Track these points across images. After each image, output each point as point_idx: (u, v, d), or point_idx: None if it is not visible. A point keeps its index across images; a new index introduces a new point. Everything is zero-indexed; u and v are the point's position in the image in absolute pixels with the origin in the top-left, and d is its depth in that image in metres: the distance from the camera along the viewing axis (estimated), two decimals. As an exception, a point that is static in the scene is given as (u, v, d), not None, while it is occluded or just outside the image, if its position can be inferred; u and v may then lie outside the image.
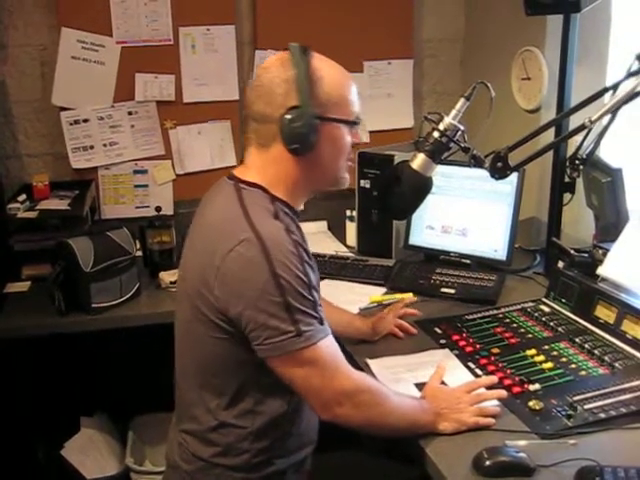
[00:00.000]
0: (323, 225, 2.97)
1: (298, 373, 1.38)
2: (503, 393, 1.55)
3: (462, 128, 1.62)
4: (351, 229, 2.70)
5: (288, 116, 1.40)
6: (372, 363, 1.76)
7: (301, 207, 1.56)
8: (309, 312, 1.36)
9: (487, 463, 1.33)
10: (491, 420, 1.48)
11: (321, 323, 1.39)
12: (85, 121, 2.73)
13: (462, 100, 1.62)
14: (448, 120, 1.62)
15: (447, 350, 1.82)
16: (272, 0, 2.82)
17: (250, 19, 2.84)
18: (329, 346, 1.40)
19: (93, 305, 2.21)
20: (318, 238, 2.84)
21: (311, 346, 1.35)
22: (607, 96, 1.77)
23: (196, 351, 1.49)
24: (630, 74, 1.65)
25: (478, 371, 1.69)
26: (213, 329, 1.42)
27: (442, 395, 1.54)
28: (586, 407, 1.50)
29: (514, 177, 2.17)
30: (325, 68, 1.46)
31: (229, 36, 2.79)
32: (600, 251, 2.02)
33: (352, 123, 1.49)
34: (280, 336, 1.34)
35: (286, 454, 1.52)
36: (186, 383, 1.55)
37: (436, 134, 1.62)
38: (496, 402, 1.55)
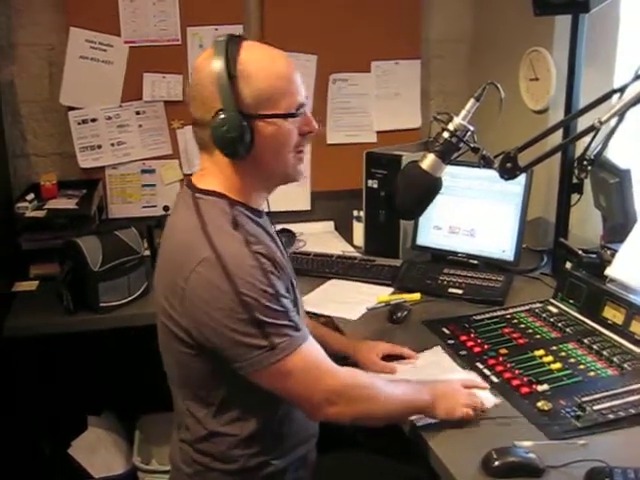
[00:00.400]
0: (330, 225, 2.97)
1: (282, 384, 1.36)
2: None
3: (472, 129, 1.62)
4: (358, 229, 2.70)
5: (217, 120, 1.33)
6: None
7: (264, 206, 1.51)
8: (280, 323, 1.33)
9: (496, 463, 1.33)
10: (477, 414, 1.49)
11: (296, 330, 1.36)
12: (93, 120, 2.74)
13: (472, 100, 1.62)
14: (458, 120, 1.62)
15: (438, 347, 1.82)
16: (280, 0, 2.82)
17: (258, 19, 2.84)
18: (309, 351, 1.37)
19: (101, 304, 2.21)
20: (325, 238, 2.85)
21: (288, 356, 1.33)
22: (615, 97, 1.77)
23: (177, 365, 1.46)
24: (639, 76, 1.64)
25: (486, 371, 1.69)
26: (184, 346, 1.40)
27: (439, 382, 1.55)
28: (595, 408, 1.50)
29: (522, 177, 2.16)
30: (254, 61, 1.36)
31: (237, 36, 2.80)
32: (608, 252, 2.01)
33: (289, 116, 1.39)
34: (254, 351, 1.31)
35: (283, 454, 1.50)
36: (176, 394, 1.54)
37: (446, 134, 1.62)
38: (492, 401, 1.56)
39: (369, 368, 1.74)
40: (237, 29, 2.79)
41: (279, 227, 2.00)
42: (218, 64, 1.33)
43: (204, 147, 1.43)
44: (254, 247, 1.34)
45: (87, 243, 2.20)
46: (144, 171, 2.84)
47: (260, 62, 1.37)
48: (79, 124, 2.73)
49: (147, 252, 2.47)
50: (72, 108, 2.72)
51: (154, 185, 2.86)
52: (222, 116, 1.33)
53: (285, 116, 1.38)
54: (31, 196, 2.54)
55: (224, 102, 1.32)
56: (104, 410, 2.60)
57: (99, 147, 2.77)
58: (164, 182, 2.86)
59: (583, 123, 1.81)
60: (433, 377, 1.63)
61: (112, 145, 2.78)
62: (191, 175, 1.52)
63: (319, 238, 2.83)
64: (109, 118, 2.76)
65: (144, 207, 2.85)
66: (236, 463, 1.47)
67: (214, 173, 1.43)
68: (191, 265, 1.32)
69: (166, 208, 2.64)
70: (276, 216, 1.61)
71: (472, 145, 1.63)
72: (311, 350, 1.39)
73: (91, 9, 2.66)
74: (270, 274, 1.34)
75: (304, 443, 1.56)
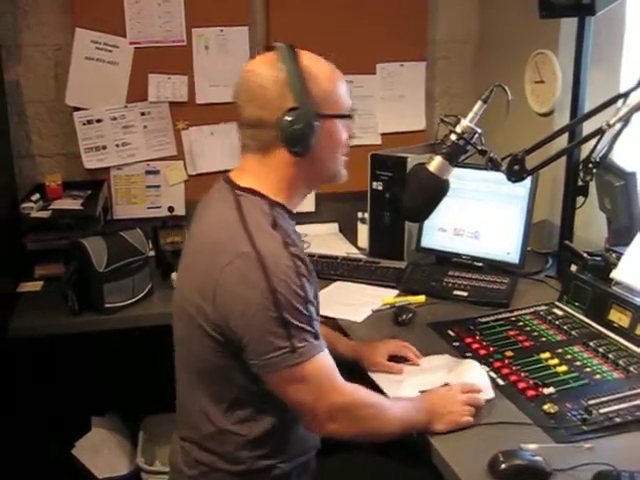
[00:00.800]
0: (334, 227, 2.97)
1: (290, 389, 1.38)
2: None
3: (479, 131, 1.62)
4: (363, 231, 2.70)
5: (287, 118, 1.38)
6: (374, 376, 1.74)
7: (296, 209, 1.54)
8: (304, 327, 1.35)
9: (503, 466, 1.33)
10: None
11: (316, 338, 1.38)
12: (98, 121, 2.74)
13: (479, 103, 1.62)
14: (465, 123, 1.62)
15: (447, 355, 1.81)
16: (285, 2, 2.83)
17: (263, 20, 2.84)
18: (323, 362, 1.39)
19: (106, 305, 2.22)
20: (330, 240, 2.85)
21: (304, 362, 1.35)
22: (621, 100, 1.76)
23: (194, 359, 1.48)
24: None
25: (492, 374, 1.69)
26: (210, 340, 1.41)
27: (437, 394, 1.55)
28: (601, 411, 1.50)
29: (528, 180, 2.16)
30: (315, 65, 1.44)
31: (242, 37, 2.80)
32: (613, 255, 2.01)
33: (348, 117, 1.50)
34: (274, 352, 1.34)
35: (288, 459, 1.51)
36: (185, 390, 1.55)
37: (453, 137, 1.62)
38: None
39: (375, 370, 1.74)
40: (242, 30, 2.80)
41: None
42: (287, 66, 1.39)
43: (260, 148, 1.45)
44: (291, 249, 1.37)
45: (92, 244, 2.21)
46: (149, 172, 2.84)
47: (321, 65, 1.46)
48: (84, 125, 2.74)
49: (152, 253, 2.48)
50: (77, 109, 2.72)
51: (159, 186, 2.86)
52: (295, 114, 1.37)
53: (344, 117, 1.48)
54: (36, 196, 2.55)
55: (299, 100, 1.38)
56: (108, 411, 2.60)
57: (104, 148, 2.77)
58: (169, 183, 2.86)
59: (588, 126, 1.81)
60: (439, 379, 1.64)
61: (117, 146, 2.79)
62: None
63: (324, 240, 2.82)
64: (114, 119, 2.76)
65: (149, 208, 2.86)
66: (242, 465, 1.47)
67: (259, 174, 1.46)
68: (229, 258, 1.35)
69: (171, 209, 2.64)
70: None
71: (480, 147, 1.63)
72: (325, 362, 1.40)
73: (97, 10, 2.66)
74: (303, 277, 1.36)
75: (308, 451, 1.57)
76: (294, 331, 1.34)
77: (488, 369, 1.71)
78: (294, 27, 2.79)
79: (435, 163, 1.64)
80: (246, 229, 1.37)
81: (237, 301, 1.34)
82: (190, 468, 1.51)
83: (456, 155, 1.63)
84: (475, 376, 1.65)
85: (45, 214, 2.48)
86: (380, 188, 2.53)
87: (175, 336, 1.56)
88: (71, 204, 2.55)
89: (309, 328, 1.36)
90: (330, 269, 2.42)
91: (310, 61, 1.44)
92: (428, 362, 1.79)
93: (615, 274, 1.93)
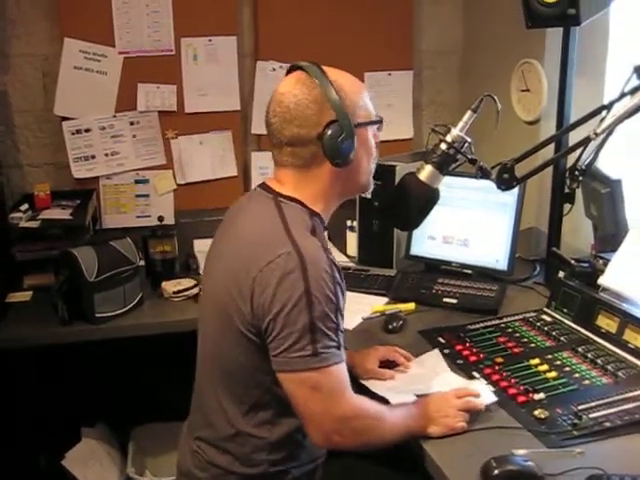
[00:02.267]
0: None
1: (303, 393, 1.39)
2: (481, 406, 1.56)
3: (469, 140, 1.64)
4: (352, 239, 2.71)
5: (328, 132, 1.43)
6: (368, 384, 1.74)
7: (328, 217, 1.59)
8: (330, 335, 1.38)
9: (495, 472, 1.34)
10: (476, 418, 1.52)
11: (338, 348, 1.40)
12: (87, 131, 2.75)
13: (469, 112, 1.64)
14: (456, 132, 1.64)
15: (436, 350, 1.84)
16: (273, 12, 2.85)
17: (251, 30, 2.86)
18: (339, 373, 1.41)
19: (97, 315, 2.21)
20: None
21: (323, 368, 1.37)
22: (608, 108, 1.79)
23: (223, 359, 1.50)
24: (632, 91, 1.67)
25: (483, 381, 1.70)
26: (241, 339, 1.44)
27: (432, 398, 1.57)
28: (591, 416, 1.51)
29: (516, 188, 2.19)
30: (341, 78, 1.50)
31: (231, 47, 2.82)
32: (600, 261, 2.04)
33: (379, 122, 1.55)
34: (296, 352, 1.36)
35: (300, 465, 1.53)
36: (206, 390, 1.56)
37: (444, 146, 1.64)
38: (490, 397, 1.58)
39: (368, 377, 1.75)
40: (231, 40, 2.82)
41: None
42: (320, 82, 1.45)
43: (300, 164, 1.49)
44: (330, 255, 1.42)
45: (83, 253, 2.20)
46: (138, 181, 2.85)
47: (347, 79, 1.52)
48: (73, 134, 2.74)
49: (142, 262, 2.48)
50: (66, 118, 2.73)
51: (148, 195, 2.86)
52: (335, 127, 1.43)
53: (376, 122, 1.55)
54: (25, 206, 2.54)
55: (336, 114, 1.43)
56: (98, 421, 2.59)
57: (93, 157, 2.77)
58: (158, 192, 2.87)
59: (573, 135, 1.84)
60: (429, 387, 1.65)
61: (106, 155, 2.79)
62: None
63: (313, 248, 2.83)
64: (103, 128, 2.76)
65: (138, 217, 2.86)
66: (258, 467, 1.49)
67: (299, 185, 1.50)
68: (269, 257, 1.38)
69: (160, 218, 2.64)
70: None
71: (470, 156, 1.65)
72: (341, 372, 1.42)
73: (85, 20, 2.67)
74: (337, 285, 1.40)
75: (316, 460, 1.59)
76: (320, 336, 1.36)
77: (479, 375, 1.73)
78: (282, 37, 2.82)
79: (426, 172, 1.66)
80: (287, 231, 1.41)
81: (273, 298, 1.36)
82: (202, 471, 1.53)
83: (446, 164, 1.65)
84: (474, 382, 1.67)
85: (34, 224, 2.47)
86: (369, 196, 2.54)
87: (204, 336, 1.58)
88: (60, 214, 2.55)
89: (334, 336, 1.39)
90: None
91: (337, 75, 1.49)
92: (420, 364, 1.81)
93: (602, 280, 1.95)
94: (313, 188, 1.50)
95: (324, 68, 1.49)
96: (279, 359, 1.38)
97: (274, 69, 2.87)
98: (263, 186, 1.55)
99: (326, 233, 1.58)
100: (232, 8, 2.82)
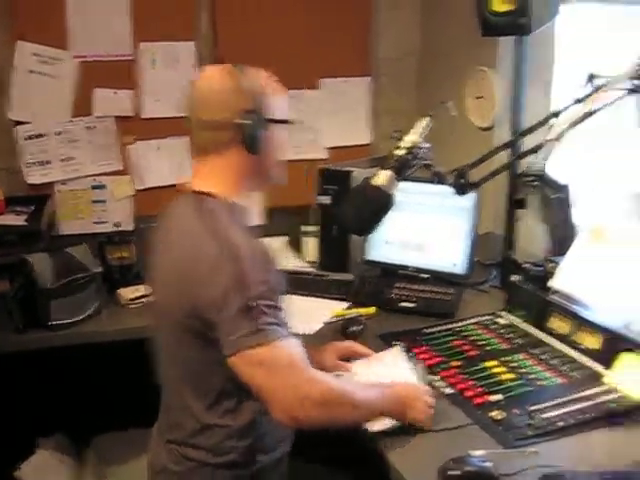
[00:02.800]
0: (283, 241, 2.99)
1: (255, 372, 1.41)
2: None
3: (426, 145, 1.67)
4: (308, 245, 2.73)
5: (246, 120, 1.50)
6: None
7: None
8: (269, 313, 1.41)
9: (452, 473, 1.36)
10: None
11: (281, 325, 1.43)
12: (41, 136, 2.71)
13: (426, 118, 1.67)
14: (413, 137, 1.66)
15: (398, 347, 1.87)
16: (232, 17, 2.85)
17: (210, 35, 2.85)
18: (289, 347, 1.42)
19: (52, 322, 2.19)
20: (278, 254, 2.85)
21: (268, 344, 1.39)
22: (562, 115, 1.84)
23: (177, 359, 1.55)
24: (579, 99, 1.72)
25: (440, 383, 1.73)
26: (190, 336, 1.48)
27: (405, 385, 1.61)
28: (546, 416, 1.55)
29: (472, 193, 2.23)
30: (262, 78, 1.58)
31: (189, 52, 2.81)
32: (552, 264, 2.09)
33: (290, 122, 1.63)
34: (238, 332, 1.39)
35: (266, 451, 1.58)
36: (171, 390, 1.61)
37: (401, 151, 1.66)
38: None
39: (328, 372, 1.76)
40: (189, 45, 2.80)
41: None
42: (239, 74, 1.54)
43: (216, 149, 1.54)
44: (254, 240, 1.48)
45: (37, 260, 2.18)
46: (95, 187, 2.82)
47: (265, 78, 1.59)
48: (27, 139, 2.70)
49: (99, 269, 2.45)
50: (20, 123, 2.68)
51: (105, 201, 2.83)
52: (251, 116, 1.51)
53: (287, 122, 1.62)
54: (-22, 213, 2.50)
55: (253, 104, 1.51)
56: (55, 431, 2.54)
57: (48, 162, 2.73)
58: (115, 198, 2.84)
59: (529, 141, 1.88)
60: (394, 375, 1.69)
61: (61, 160, 2.75)
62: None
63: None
64: (59, 133, 2.73)
65: (96, 223, 2.83)
66: (229, 455, 1.53)
67: (213, 176, 1.56)
68: (199, 255, 1.44)
69: (117, 224, 2.62)
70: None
71: (427, 162, 1.67)
72: (292, 348, 1.44)
73: (39, 23, 2.63)
74: (267, 267, 1.45)
75: (280, 443, 1.62)
76: (258, 314, 1.39)
77: (437, 378, 1.75)
78: (240, 43, 2.82)
79: (382, 177, 1.67)
80: (210, 227, 1.47)
81: (210, 292, 1.41)
82: (177, 464, 1.57)
83: (403, 169, 1.67)
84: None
85: (-13, 230, 2.43)
86: (327, 202, 2.56)
87: (158, 345, 1.61)
88: (14, 220, 2.50)
89: (274, 314, 1.42)
90: (279, 282, 2.43)
91: (258, 73, 1.58)
92: (380, 359, 1.83)
93: (553, 283, 2.00)
94: (228, 176, 1.56)
95: (247, 66, 1.58)
96: (226, 345, 1.42)
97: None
98: (182, 187, 1.61)
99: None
100: (191, 13, 2.81)
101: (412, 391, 1.57)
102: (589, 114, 1.67)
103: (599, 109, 1.64)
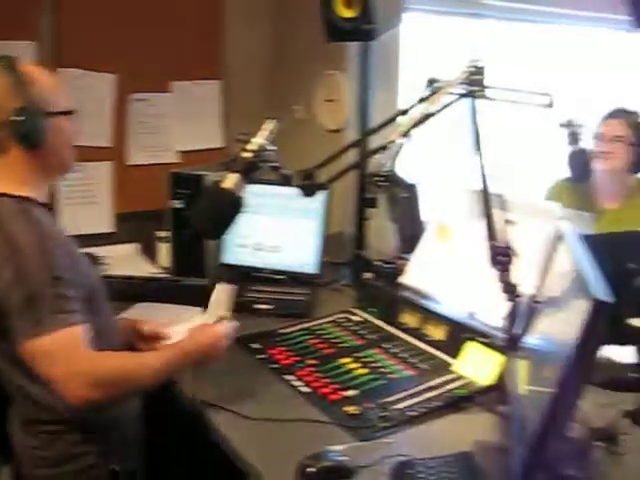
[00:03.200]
0: (135, 247, 2.90)
1: (41, 363, 1.45)
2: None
3: (273, 148, 1.68)
4: (163, 250, 2.67)
5: (17, 117, 1.51)
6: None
7: (45, 198, 1.65)
8: (55, 302, 1.45)
9: (310, 469, 1.38)
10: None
11: (65, 313, 1.46)
12: None
13: (272, 121, 1.68)
14: (259, 140, 1.67)
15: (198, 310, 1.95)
16: (79, 18, 2.71)
17: (54, 36, 2.71)
18: (69, 334, 1.45)
19: None
20: (130, 261, 2.77)
21: (48, 334, 1.43)
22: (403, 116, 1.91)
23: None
24: (423, 99, 1.79)
25: (296, 383, 1.75)
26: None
27: (201, 334, 1.68)
28: (397, 407, 1.61)
29: (321, 194, 2.27)
30: (35, 71, 1.58)
31: (27, 52, 2.65)
32: (402, 261, 2.17)
33: (70, 113, 1.64)
34: (21, 323, 1.44)
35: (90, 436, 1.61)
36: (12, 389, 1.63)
37: (247, 154, 1.66)
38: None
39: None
40: (29, 45, 2.64)
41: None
42: (8, 72, 1.54)
43: None
44: (39, 229, 1.50)
45: None
46: None
47: (39, 71, 1.60)
48: None
49: None
50: None
51: None
52: (23, 113, 1.51)
53: (66, 113, 1.62)
54: None
55: (25, 101, 1.52)
56: None
57: None
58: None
59: (377, 142, 1.94)
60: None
61: None
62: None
63: (124, 261, 2.74)
64: None
65: None
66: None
67: (1, 175, 1.57)
68: None
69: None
70: (76, 240, 1.66)
71: (273, 164, 1.68)
72: (72, 334, 1.46)
73: None
74: (54, 257, 1.48)
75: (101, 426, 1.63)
76: (41, 305, 1.44)
77: (294, 378, 1.77)
78: (87, 44, 2.70)
79: (229, 180, 1.66)
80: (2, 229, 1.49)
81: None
82: (34, 437, 1.60)
83: (250, 172, 1.67)
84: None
85: None
86: (180, 206, 2.51)
87: None
88: None
89: (60, 304, 1.45)
90: (131, 290, 2.35)
91: (30, 68, 1.59)
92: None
93: (403, 279, 2.08)
94: (13, 174, 1.57)
95: (19, 61, 1.57)
96: (12, 336, 1.45)
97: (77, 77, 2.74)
98: None
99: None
100: (31, 12, 2.66)
101: (211, 341, 1.66)
102: (429, 115, 1.75)
103: (438, 111, 1.72)
